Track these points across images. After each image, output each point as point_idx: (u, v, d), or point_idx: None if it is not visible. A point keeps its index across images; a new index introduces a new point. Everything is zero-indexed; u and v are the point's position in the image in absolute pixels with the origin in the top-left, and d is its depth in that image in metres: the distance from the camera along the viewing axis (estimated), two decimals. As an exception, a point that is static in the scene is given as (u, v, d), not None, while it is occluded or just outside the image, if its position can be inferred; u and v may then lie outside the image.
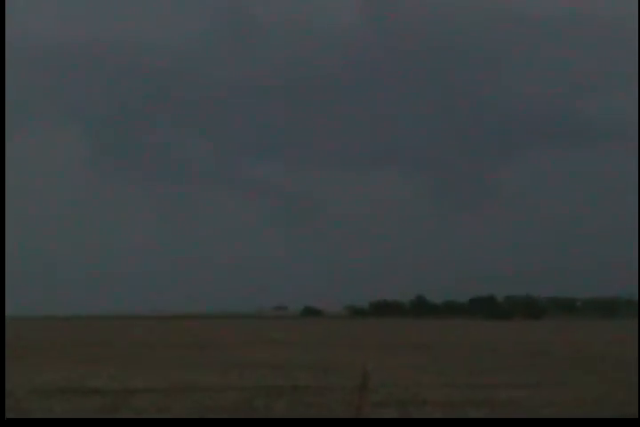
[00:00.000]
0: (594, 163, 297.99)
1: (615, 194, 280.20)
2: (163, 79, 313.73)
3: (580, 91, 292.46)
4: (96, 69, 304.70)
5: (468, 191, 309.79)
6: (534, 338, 59.89)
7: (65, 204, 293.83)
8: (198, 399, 16.41)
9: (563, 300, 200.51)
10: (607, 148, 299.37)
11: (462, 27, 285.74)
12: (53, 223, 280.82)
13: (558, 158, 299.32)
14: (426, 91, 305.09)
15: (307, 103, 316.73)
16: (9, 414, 13.07)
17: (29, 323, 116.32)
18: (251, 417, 13.95)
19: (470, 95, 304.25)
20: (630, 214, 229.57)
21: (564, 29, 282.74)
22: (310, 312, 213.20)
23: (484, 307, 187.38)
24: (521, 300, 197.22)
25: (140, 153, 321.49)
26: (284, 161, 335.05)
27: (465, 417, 14.32)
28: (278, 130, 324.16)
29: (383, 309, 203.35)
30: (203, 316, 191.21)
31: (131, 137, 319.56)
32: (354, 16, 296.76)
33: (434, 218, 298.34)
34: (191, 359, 31.47)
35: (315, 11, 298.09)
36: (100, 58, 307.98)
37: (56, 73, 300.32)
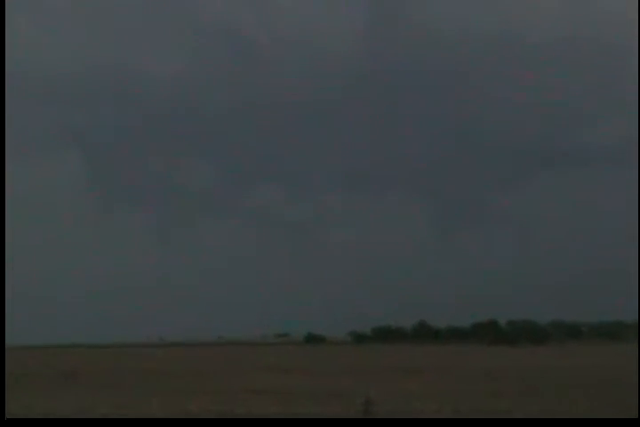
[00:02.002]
0: (594, 187, 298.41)
1: (616, 218, 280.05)
2: (161, 105, 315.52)
3: (580, 116, 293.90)
4: (93, 96, 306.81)
5: (470, 215, 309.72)
6: (541, 364, 59.46)
7: (62, 230, 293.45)
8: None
9: (567, 324, 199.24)
10: (607, 172, 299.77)
11: (467, 49, 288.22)
12: (48, 250, 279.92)
13: (559, 183, 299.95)
14: (427, 115, 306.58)
15: (307, 127, 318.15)
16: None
17: (31, 351, 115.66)
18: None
19: (472, 119, 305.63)
20: (632, 237, 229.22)
21: (562, 55, 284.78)
22: (313, 339, 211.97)
23: (487, 332, 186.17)
24: (524, 324, 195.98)
25: (138, 179, 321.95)
26: (284, 187, 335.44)
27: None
28: (278, 155, 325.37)
29: (386, 334, 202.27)
30: (205, 343, 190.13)
31: (129, 163, 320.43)
32: (354, 39, 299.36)
33: (435, 242, 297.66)
34: (193, 387, 31.30)
35: (313, 32, 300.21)
36: (98, 85, 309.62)
37: (54, 100, 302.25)
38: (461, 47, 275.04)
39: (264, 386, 31.40)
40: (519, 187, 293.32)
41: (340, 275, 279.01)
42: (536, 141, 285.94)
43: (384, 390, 23.02)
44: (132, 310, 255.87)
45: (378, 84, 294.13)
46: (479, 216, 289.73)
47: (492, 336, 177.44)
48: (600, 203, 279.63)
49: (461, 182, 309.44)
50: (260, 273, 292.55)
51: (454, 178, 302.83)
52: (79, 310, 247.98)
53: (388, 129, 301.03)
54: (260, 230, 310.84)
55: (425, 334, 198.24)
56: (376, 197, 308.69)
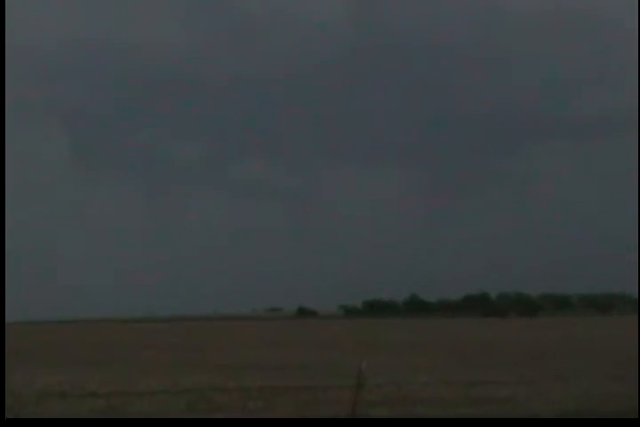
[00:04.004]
0: (592, 158, 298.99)
1: (614, 188, 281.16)
2: (150, 77, 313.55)
3: (581, 84, 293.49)
4: (77, 68, 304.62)
5: (460, 190, 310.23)
6: (530, 335, 59.88)
7: (47, 204, 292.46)
8: (196, 400, 16.29)
9: (557, 296, 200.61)
10: (607, 142, 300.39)
11: (456, 20, 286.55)
12: (35, 224, 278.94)
13: (556, 153, 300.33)
14: (423, 86, 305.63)
15: (298, 101, 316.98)
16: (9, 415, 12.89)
17: (23, 327, 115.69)
18: (248, 417, 13.84)
19: (469, 89, 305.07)
20: (628, 209, 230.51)
21: (560, 23, 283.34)
22: (304, 313, 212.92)
23: (478, 305, 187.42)
24: (514, 297, 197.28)
25: (127, 152, 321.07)
26: (276, 160, 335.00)
27: (461, 416, 14.21)
28: (270, 128, 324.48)
29: (377, 308, 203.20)
30: (196, 318, 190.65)
31: (118, 136, 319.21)
32: (344, 12, 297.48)
33: (426, 216, 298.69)
34: (187, 362, 31.33)
35: (302, 6, 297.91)
36: (87, 57, 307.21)
37: (42, 71, 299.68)
38: (452, 14, 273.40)
39: (256, 360, 31.44)
40: (510, 159, 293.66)
41: (330, 249, 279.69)
42: (529, 110, 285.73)
43: (376, 363, 22.97)
44: (120, 284, 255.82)
45: (365, 57, 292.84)
46: (470, 190, 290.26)
47: (484, 309, 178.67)
48: (598, 173, 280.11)
49: (452, 155, 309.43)
50: (252, 248, 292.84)
51: (445, 151, 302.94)
52: (63, 283, 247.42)
53: (379, 100, 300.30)
54: (250, 204, 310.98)
55: (416, 307, 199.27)
56: (366, 170, 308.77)
